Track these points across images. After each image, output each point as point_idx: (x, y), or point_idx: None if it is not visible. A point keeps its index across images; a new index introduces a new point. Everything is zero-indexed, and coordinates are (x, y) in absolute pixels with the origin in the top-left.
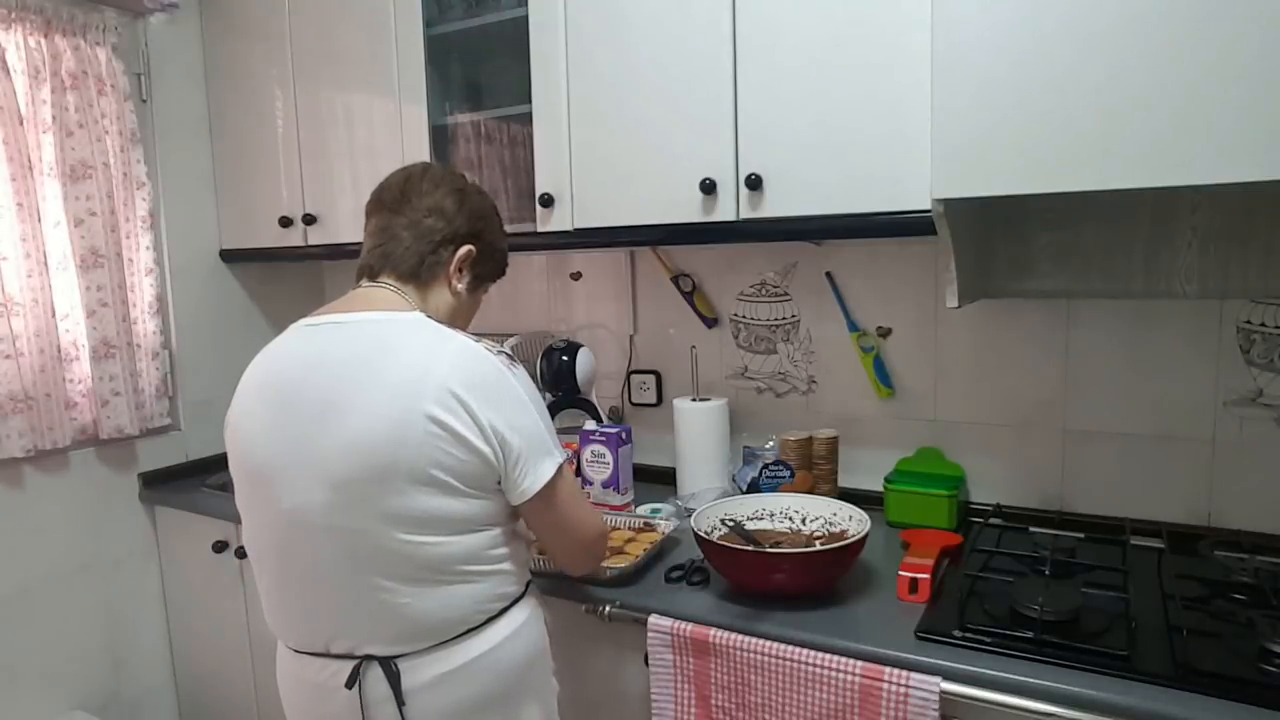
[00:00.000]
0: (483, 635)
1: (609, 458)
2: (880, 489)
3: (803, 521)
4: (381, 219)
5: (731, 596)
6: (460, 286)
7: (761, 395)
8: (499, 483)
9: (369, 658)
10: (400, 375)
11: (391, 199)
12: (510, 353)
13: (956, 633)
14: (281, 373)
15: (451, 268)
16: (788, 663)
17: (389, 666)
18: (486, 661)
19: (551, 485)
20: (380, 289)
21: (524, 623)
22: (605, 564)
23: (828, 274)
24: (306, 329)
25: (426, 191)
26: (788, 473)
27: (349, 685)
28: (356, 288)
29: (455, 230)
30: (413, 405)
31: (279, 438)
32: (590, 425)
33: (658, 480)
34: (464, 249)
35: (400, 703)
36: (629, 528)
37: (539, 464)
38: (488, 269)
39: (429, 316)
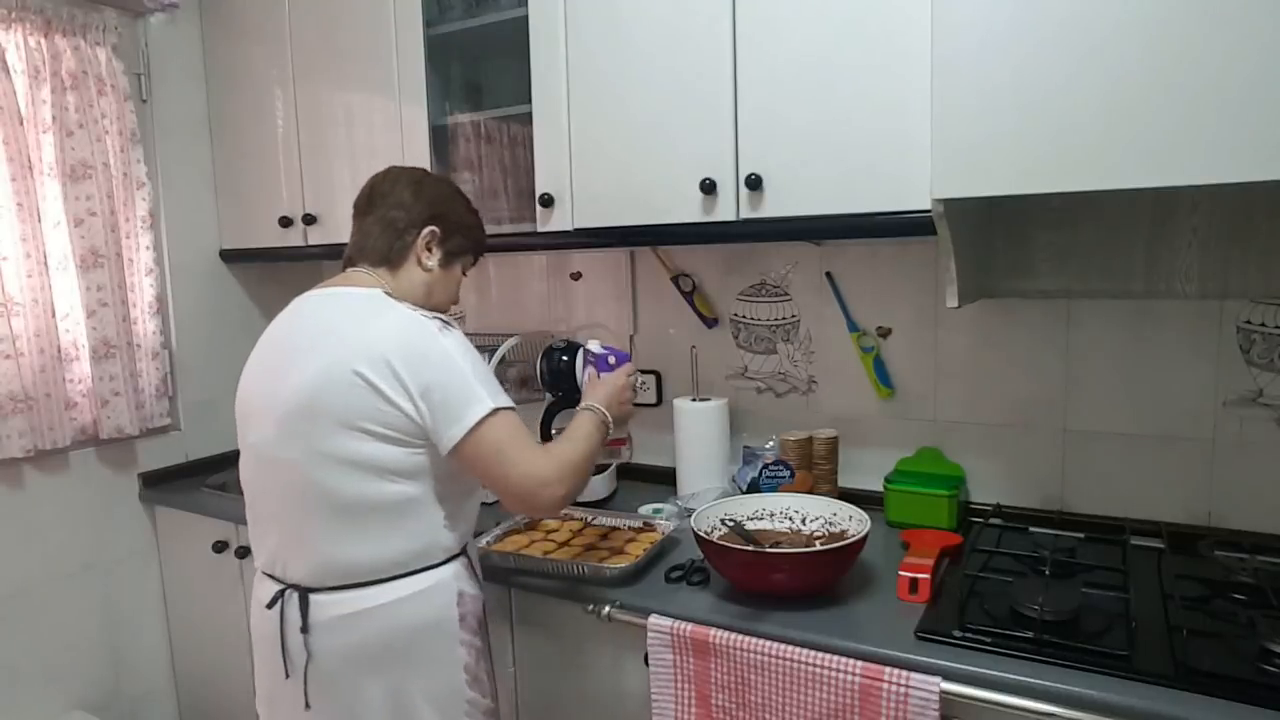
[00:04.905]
0: (388, 587)
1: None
2: (880, 489)
3: (803, 521)
4: (358, 222)
5: (731, 596)
6: (431, 263)
7: (761, 395)
8: (429, 438)
9: (294, 586)
10: (340, 336)
11: (363, 204)
12: (446, 319)
13: (956, 633)
14: (272, 334)
15: (419, 247)
16: (788, 663)
17: (304, 597)
18: (385, 612)
19: (478, 430)
20: (358, 271)
21: (432, 587)
22: (605, 564)
23: (828, 274)
24: (299, 299)
25: (387, 192)
26: (788, 473)
27: (269, 605)
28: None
29: (415, 217)
30: (342, 359)
31: (256, 385)
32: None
33: (658, 480)
34: (426, 230)
35: (305, 630)
36: (629, 528)
37: (464, 412)
38: (458, 244)
39: (397, 292)
